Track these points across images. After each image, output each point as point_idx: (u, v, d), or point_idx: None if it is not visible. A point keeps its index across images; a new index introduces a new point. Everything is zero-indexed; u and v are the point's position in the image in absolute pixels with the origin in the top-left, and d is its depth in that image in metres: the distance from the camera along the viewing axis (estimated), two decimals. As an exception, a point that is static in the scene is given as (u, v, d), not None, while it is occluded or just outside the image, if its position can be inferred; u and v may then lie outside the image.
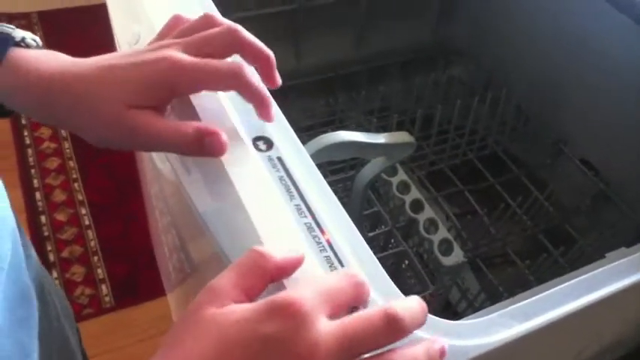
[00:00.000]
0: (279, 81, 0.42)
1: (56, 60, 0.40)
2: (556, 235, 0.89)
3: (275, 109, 0.45)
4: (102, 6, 0.60)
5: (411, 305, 0.32)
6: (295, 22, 0.97)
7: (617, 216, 0.87)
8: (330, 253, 0.37)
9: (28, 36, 0.41)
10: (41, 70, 0.39)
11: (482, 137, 1.00)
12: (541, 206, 0.90)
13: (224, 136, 0.39)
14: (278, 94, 0.43)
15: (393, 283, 0.37)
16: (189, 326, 0.29)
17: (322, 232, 0.38)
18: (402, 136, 0.55)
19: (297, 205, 0.40)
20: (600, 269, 0.42)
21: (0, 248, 0.35)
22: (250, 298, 0.31)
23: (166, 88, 0.38)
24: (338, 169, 0.87)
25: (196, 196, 0.41)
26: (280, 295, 0.29)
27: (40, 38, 1.62)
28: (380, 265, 0.38)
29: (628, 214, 0.86)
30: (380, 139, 0.53)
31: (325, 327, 0.29)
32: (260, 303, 0.29)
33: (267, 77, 0.42)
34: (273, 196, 0.39)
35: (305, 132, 0.95)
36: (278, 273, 0.33)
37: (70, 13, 2.08)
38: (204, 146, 0.38)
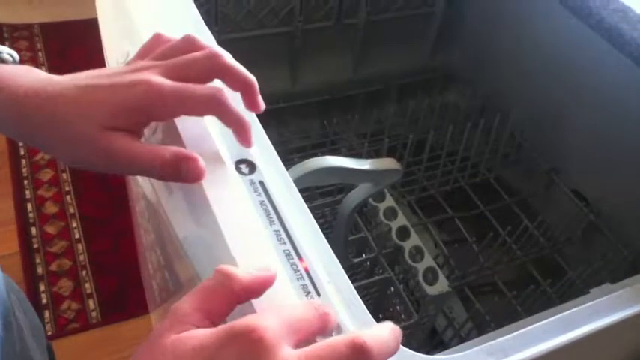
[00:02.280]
0: (262, 106, 0.41)
1: (31, 76, 0.39)
2: (545, 265, 0.89)
3: (259, 132, 0.45)
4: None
5: (382, 334, 0.31)
6: (292, 44, 0.97)
7: (606, 248, 0.87)
8: (307, 282, 0.37)
9: (5, 51, 0.41)
10: (14, 87, 0.38)
11: (475, 164, 1.00)
12: (531, 236, 0.89)
13: (202, 163, 0.38)
14: (272, 115, 0.43)
15: (368, 312, 0.37)
16: (146, 354, 0.28)
17: (300, 259, 0.38)
18: (388, 163, 0.54)
19: (276, 231, 0.39)
20: (583, 305, 0.41)
21: None
22: (214, 322, 0.30)
23: (143, 112, 0.37)
24: (326, 193, 0.86)
25: (175, 219, 0.41)
26: (241, 321, 0.28)
27: (42, 50, 1.62)
28: (356, 294, 0.37)
29: (617, 246, 0.85)
30: (365, 165, 0.53)
31: (287, 356, 0.28)
32: (220, 329, 0.28)
33: (250, 103, 0.41)
34: (253, 222, 0.39)
35: (297, 154, 0.95)
36: (245, 294, 0.31)
37: (72, 25, 2.08)
38: (181, 172, 0.37)
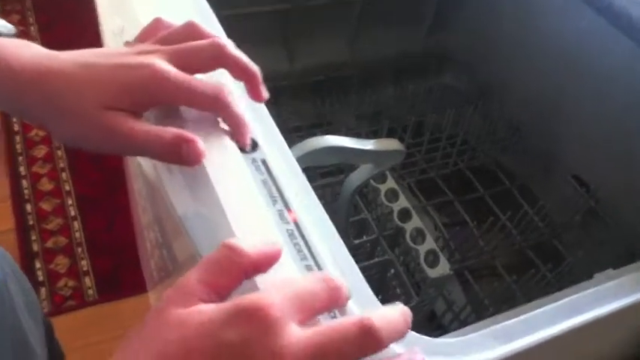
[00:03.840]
0: (265, 96, 0.41)
1: (30, 51, 0.38)
2: (545, 250, 0.88)
3: (261, 111, 0.44)
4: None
5: (391, 315, 0.30)
6: (288, 22, 0.96)
7: (606, 233, 0.86)
8: (311, 262, 0.36)
9: (1, 23, 0.39)
10: (12, 60, 0.37)
11: (474, 147, 0.99)
12: (531, 220, 0.89)
13: (201, 145, 0.37)
14: (270, 94, 0.42)
15: (373, 294, 0.36)
16: (153, 326, 0.28)
17: (304, 239, 0.37)
18: (391, 144, 0.53)
19: (279, 211, 0.38)
20: (587, 291, 0.41)
21: None
22: (221, 297, 0.30)
23: (147, 95, 0.37)
24: (327, 173, 0.85)
25: (175, 197, 0.40)
26: (248, 298, 0.28)
27: (33, 24, 1.60)
28: (361, 275, 0.37)
29: (616, 231, 0.85)
30: (368, 145, 0.52)
31: (294, 335, 0.27)
32: (226, 305, 0.28)
33: (253, 93, 0.41)
34: (255, 200, 0.38)
35: (294, 133, 0.94)
36: (252, 268, 0.31)
37: None
38: (182, 154, 0.37)
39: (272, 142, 0.42)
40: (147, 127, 0.37)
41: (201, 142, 0.37)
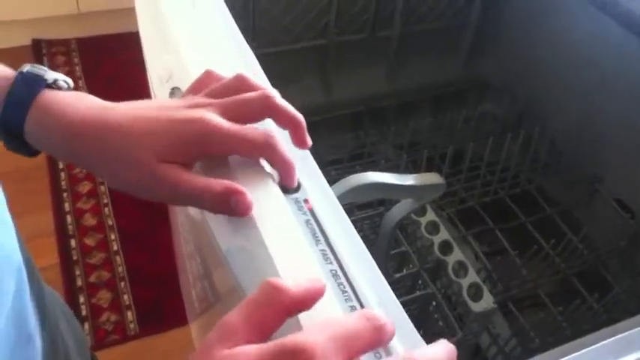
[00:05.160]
0: (309, 143, 0.42)
1: (86, 102, 0.40)
2: (590, 278, 0.86)
3: (304, 152, 0.45)
4: (137, 33, 0.61)
5: (435, 354, 0.30)
6: (326, 56, 0.97)
7: (654, 260, 0.84)
8: (355, 303, 0.36)
9: (60, 77, 0.42)
10: (71, 115, 0.39)
11: (515, 174, 0.98)
12: (574, 248, 0.87)
13: (250, 196, 0.38)
14: (308, 128, 0.43)
15: (417, 332, 0.36)
16: None
17: (348, 279, 0.37)
18: (431, 177, 0.53)
19: (322, 251, 0.38)
20: (634, 329, 0.39)
21: (1, 290, 0.34)
22: (264, 336, 0.30)
23: (199, 148, 0.38)
24: (365, 205, 0.85)
25: (220, 235, 0.41)
26: (291, 339, 0.27)
27: (78, 64, 1.65)
28: (405, 314, 0.36)
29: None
30: (409, 180, 0.52)
31: None
32: (270, 346, 0.28)
33: (298, 141, 0.42)
34: (298, 240, 0.38)
35: (333, 166, 0.94)
36: (295, 306, 0.31)
37: (107, 39, 2.12)
38: (230, 205, 0.38)
39: (314, 182, 0.43)
40: (197, 178, 0.39)
41: (249, 194, 0.38)
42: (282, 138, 0.41)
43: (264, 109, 0.40)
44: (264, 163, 0.43)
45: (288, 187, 0.42)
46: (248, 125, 0.39)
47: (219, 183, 0.38)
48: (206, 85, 0.43)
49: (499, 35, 1.08)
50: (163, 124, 0.38)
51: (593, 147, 0.94)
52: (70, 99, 0.40)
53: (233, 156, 0.42)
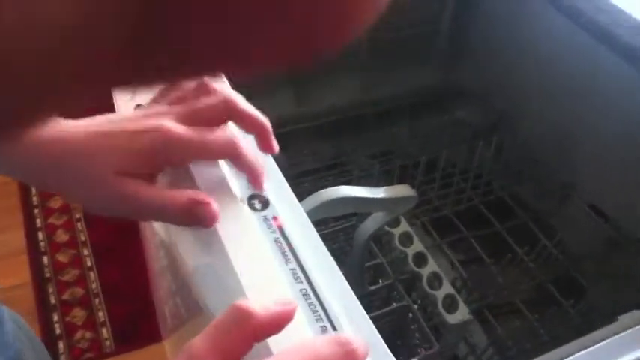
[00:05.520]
0: (276, 148, 0.42)
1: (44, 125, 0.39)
2: (565, 284, 0.86)
3: (271, 166, 0.44)
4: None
5: None
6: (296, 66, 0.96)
7: (628, 265, 0.85)
8: (326, 323, 0.35)
9: None
10: (27, 136, 0.37)
11: (488, 182, 0.99)
12: (549, 254, 0.88)
13: (215, 206, 0.38)
14: (280, 139, 0.43)
15: (391, 353, 0.35)
16: None
17: (318, 299, 0.36)
18: (402, 190, 0.53)
19: (292, 270, 0.38)
20: (611, 338, 0.39)
21: None
22: None
23: (159, 158, 0.37)
24: (340, 216, 0.85)
25: (186, 254, 0.40)
26: None
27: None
28: (378, 335, 0.36)
29: (639, 262, 0.83)
30: (380, 193, 0.51)
31: None
32: None
33: (264, 146, 0.41)
34: (267, 259, 0.38)
35: (307, 177, 0.93)
36: (263, 331, 0.30)
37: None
38: (197, 216, 0.37)
39: (282, 199, 0.42)
40: (158, 191, 0.38)
41: (215, 204, 0.38)
42: (246, 142, 0.41)
43: (225, 113, 0.39)
44: (229, 177, 0.42)
45: (256, 190, 0.41)
46: (208, 129, 0.38)
47: (182, 194, 0.37)
48: (167, 93, 0.42)
49: (473, 43, 1.08)
50: (120, 138, 0.37)
51: (567, 154, 0.95)
52: None
53: (197, 170, 0.41)
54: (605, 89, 0.84)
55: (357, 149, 1.04)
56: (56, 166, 0.37)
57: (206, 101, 0.39)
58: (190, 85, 0.41)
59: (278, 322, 0.30)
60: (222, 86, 0.41)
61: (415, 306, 0.67)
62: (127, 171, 0.37)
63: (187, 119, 0.38)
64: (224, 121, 0.40)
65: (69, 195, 0.39)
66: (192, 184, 0.41)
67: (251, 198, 0.42)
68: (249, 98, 0.42)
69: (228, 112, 0.39)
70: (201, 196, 0.38)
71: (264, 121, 0.41)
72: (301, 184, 0.89)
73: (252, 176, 0.41)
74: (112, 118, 0.39)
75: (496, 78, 1.07)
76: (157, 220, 0.41)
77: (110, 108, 0.44)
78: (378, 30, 1.00)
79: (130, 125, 0.37)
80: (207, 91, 0.40)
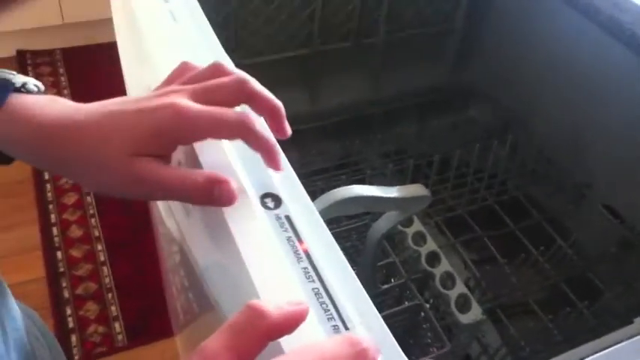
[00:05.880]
0: (289, 131, 0.40)
1: (57, 107, 0.38)
2: (580, 284, 0.86)
3: (284, 164, 0.44)
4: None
5: None
6: (310, 66, 0.96)
7: (643, 266, 0.84)
8: (338, 323, 0.35)
9: (30, 81, 0.40)
10: (41, 118, 0.37)
11: (502, 181, 0.98)
12: (564, 254, 0.87)
13: (234, 185, 0.37)
14: (292, 138, 0.42)
15: (402, 354, 0.35)
16: None
17: (330, 298, 0.36)
18: (416, 189, 0.53)
19: (304, 269, 0.37)
20: (627, 341, 0.39)
21: None
22: None
23: (171, 135, 0.36)
24: (353, 215, 0.85)
25: (197, 253, 0.40)
26: None
27: (64, 74, 1.63)
28: (391, 335, 0.35)
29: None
30: (393, 192, 0.51)
31: None
32: None
33: (277, 128, 0.40)
34: (279, 258, 0.37)
35: (319, 176, 0.93)
36: (277, 331, 0.29)
37: (93, 49, 2.11)
38: (214, 195, 0.37)
39: (296, 197, 0.42)
40: (177, 171, 0.37)
41: (234, 182, 0.37)
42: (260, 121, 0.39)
43: (238, 93, 0.38)
44: (242, 175, 0.42)
45: (274, 169, 0.40)
46: (221, 107, 0.37)
47: (200, 173, 0.37)
48: (181, 75, 0.41)
49: (485, 42, 1.07)
50: (132, 117, 0.36)
51: (582, 153, 0.94)
52: (40, 103, 0.38)
53: (209, 167, 0.41)
54: (620, 88, 0.83)
55: (368, 148, 1.04)
56: (69, 149, 0.37)
57: (220, 81, 0.39)
58: (204, 68, 0.41)
59: (292, 322, 0.30)
60: (236, 69, 0.41)
61: (427, 305, 0.66)
62: (140, 151, 0.36)
63: (200, 97, 0.37)
64: (237, 103, 0.39)
65: (82, 178, 0.38)
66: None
67: (263, 196, 0.41)
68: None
69: (242, 93, 0.38)
70: (219, 174, 0.37)
71: (278, 103, 0.40)
72: (313, 183, 0.89)
73: (269, 155, 0.39)
74: (125, 99, 0.38)
75: (508, 77, 1.06)
76: (173, 199, 0.40)
77: (123, 93, 0.44)
78: (392, 29, 0.99)
79: (142, 104, 0.37)
80: (221, 72, 0.40)
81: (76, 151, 0.37)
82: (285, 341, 0.31)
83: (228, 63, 0.47)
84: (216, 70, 0.40)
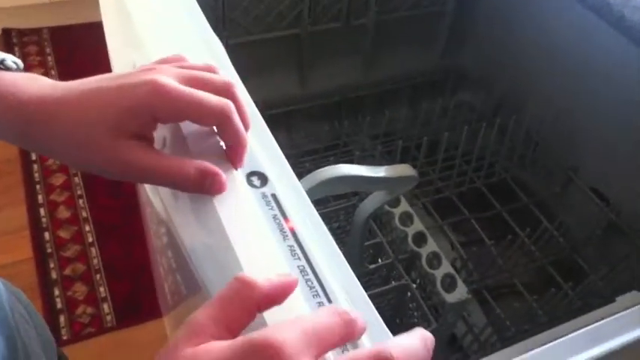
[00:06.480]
0: (241, 164, 0.40)
1: (36, 84, 0.38)
2: (565, 266, 0.87)
3: (270, 142, 0.44)
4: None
5: (410, 343, 0.29)
6: (300, 46, 0.96)
7: (628, 248, 0.85)
8: (323, 299, 0.35)
9: (8, 58, 0.39)
10: (19, 94, 0.37)
11: (490, 164, 0.98)
12: (550, 236, 0.88)
13: (224, 177, 0.37)
14: (282, 119, 0.42)
15: (390, 332, 0.35)
16: None
17: (316, 275, 0.36)
18: (403, 169, 0.53)
19: (290, 247, 0.38)
20: (609, 318, 0.39)
21: None
22: (233, 333, 0.28)
23: (149, 112, 0.36)
24: (340, 196, 0.85)
25: (183, 232, 0.39)
26: (259, 335, 0.26)
27: (50, 54, 1.61)
28: (376, 312, 0.36)
29: (638, 245, 0.83)
30: (380, 172, 0.51)
31: None
32: (237, 342, 0.27)
33: (235, 158, 0.40)
34: (265, 236, 0.37)
35: (308, 157, 0.93)
36: (266, 302, 0.30)
37: (81, 28, 2.08)
38: (205, 186, 0.37)
39: (282, 176, 0.42)
40: (165, 159, 0.37)
41: (223, 174, 0.37)
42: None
43: (223, 93, 0.38)
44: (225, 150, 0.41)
45: (233, 165, 0.40)
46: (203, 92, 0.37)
47: (191, 165, 0.37)
48: (172, 62, 0.40)
49: (476, 24, 1.07)
50: (112, 93, 0.36)
51: (570, 137, 0.94)
52: (20, 80, 0.38)
53: (196, 145, 0.41)
54: (609, 72, 0.84)
55: (357, 130, 1.04)
56: (50, 127, 0.36)
57: (208, 75, 0.38)
58: (198, 64, 0.41)
59: (281, 293, 0.30)
60: (229, 76, 0.41)
61: (414, 285, 0.67)
62: (120, 129, 0.36)
63: (184, 82, 0.37)
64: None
65: (64, 157, 0.38)
66: (190, 158, 0.40)
67: (250, 175, 0.41)
68: (254, 76, 0.41)
69: (226, 95, 0.38)
70: (210, 166, 0.37)
71: (246, 136, 0.39)
72: (302, 164, 0.89)
73: (236, 150, 0.39)
74: (107, 76, 0.38)
75: (500, 61, 1.06)
76: (162, 185, 0.40)
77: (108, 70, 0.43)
78: (383, 10, 0.99)
79: (123, 80, 0.36)
80: (213, 71, 0.40)
81: (56, 128, 0.36)
82: (270, 317, 0.31)
83: (212, 42, 0.46)
84: (208, 68, 0.40)
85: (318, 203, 0.40)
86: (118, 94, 0.36)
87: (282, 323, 0.29)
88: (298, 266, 0.36)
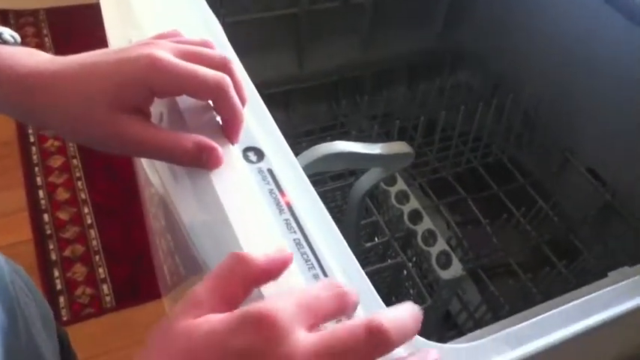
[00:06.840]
0: (237, 139, 0.41)
1: (34, 58, 0.38)
2: (560, 246, 0.87)
3: (266, 119, 0.44)
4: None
5: (400, 316, 0.30)
6: (298, 25, 0.96)
7: (623, 228, 0.85)
8: (318, 271, 0.36)
9: (5, 32, 0.40)
10: (17, 67, 0.37)
11: (487, 144, 0.99)
12: (545, 216, 0.88)
13: (221, 151, 0.38)
14: (280, 98, 0.42)
15: (382, 301, 0.36)
16: (160, 339, 0.28)
17: (311, 248, 0.37)
18: (399, 147, 0.53)
19: (286, 220, 0.38)
20: (600, 291, 0.40)
21: None
22: (231, 307, 0.29)
23: (144, 86, 0.36)
24: (337, 176, 0.85)
25: (182, 208, 0.40)
26: (254, 306, 0.27)
27: (48, 35, 1.60)
28: (370, 284, 0.36)
29: (634, 226, 0.84)
30: (376, 149, 0.51)
31: (302, 341, 0.27)
32: (233, 314, 0.28)
33: (231, 133, 0.40)
34: (261, 210, 0.38)
35: (306, 137, 0.93)
36: (262, 276, 0.31)
37: (78, 10, 2.07)
38: (202, 160, 0.37)
39: (278, 151, 0.42)
40: (163, 133, 0.37)
41: (220, 149, 0.38)
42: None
43: (220, 68, 0.38)
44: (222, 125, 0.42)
45: (229, 140, 0.41)
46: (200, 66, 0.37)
47: (189, 139, 0.37)
48: (168, 37, 0.41)
49: (475, 4, 1.07)
50: (110, 66, 0.36)
51: (567, 117, 0.95)
52: (18, 54, 0.38)
53: (193, 120, 0.41)
54: (608, 53, 0.84)
55: (355, 110, 1.04)
56: (49, 100, 0.37)
57: (205, 50, 0.39)
58: (194, 39, 0.41)
59: (276, 268, 0.31)
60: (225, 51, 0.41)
61: (410, 263, 0.67)
62: (118, 102, 0.36)
63: (180, 56, 0.37)
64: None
65: (62, 129, 0.38)
66: (187, 132, 0.41)
67: (246, 150, 0.42)
68: (252, 55, 0.41)
69: (223, 69, 0.38)
70: (207, 140, 0.38)
71: (242, 110, 0.39)
72: (299, 144, 0.89)
73: (233, 123, 0.39)
74: (105, 51, 0.38)
75: (498, 41, 1.06)
76: (158, 159, 0.40)
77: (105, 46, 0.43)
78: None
79: (121, 54, 0.37)
80: (209, 46, 0.40)
81: (54, 101, 0.37)
82: (265, 289, 0.32)
83: (210, 20, 0.47)
84: (205, 43, 0.40)
85: (314, 184, 0.41)
86: (116, 67, 0.36)
87: (277, 295, 0.30)
88: (294, 239, 0.37)
